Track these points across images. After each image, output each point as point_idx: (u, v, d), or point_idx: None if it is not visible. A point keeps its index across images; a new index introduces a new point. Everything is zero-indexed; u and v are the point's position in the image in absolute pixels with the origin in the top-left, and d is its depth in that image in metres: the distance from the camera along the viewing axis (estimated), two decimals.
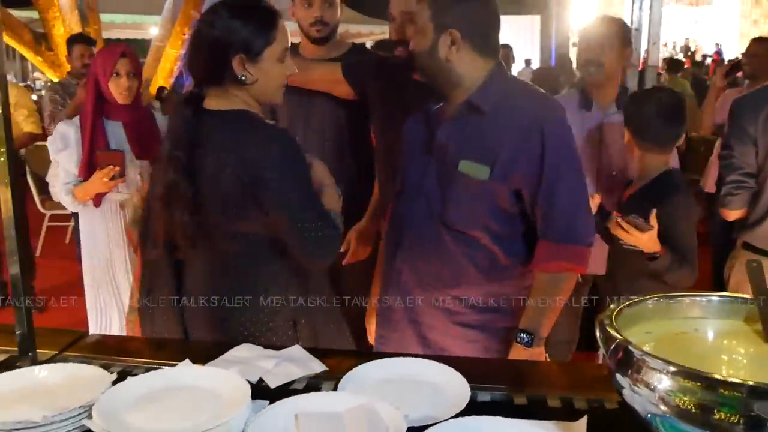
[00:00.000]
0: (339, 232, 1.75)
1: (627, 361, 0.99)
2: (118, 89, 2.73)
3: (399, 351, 1.86)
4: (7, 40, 9.95)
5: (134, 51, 2.84)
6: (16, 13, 9.98)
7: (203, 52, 1.71)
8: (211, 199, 1.68)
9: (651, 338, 1.10)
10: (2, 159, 1.34)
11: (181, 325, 1.79)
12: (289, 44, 1.76)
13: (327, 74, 2.48)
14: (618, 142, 2.60)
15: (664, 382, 0.94)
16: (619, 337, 1.01)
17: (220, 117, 1.70)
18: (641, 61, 3.03)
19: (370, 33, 16.91)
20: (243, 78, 1.69)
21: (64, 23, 9.88)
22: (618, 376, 1.00)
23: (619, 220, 2.19)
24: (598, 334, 1.07)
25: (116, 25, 13.54)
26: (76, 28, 10.05)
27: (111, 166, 2.67)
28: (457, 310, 1.86)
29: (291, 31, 1.80)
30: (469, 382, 1.30)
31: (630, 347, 0.98)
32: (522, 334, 1.80)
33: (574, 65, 3.55)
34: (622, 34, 2.66)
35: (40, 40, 10.13)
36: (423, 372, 1.36)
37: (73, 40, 4.52)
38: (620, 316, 1.09)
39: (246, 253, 1.73)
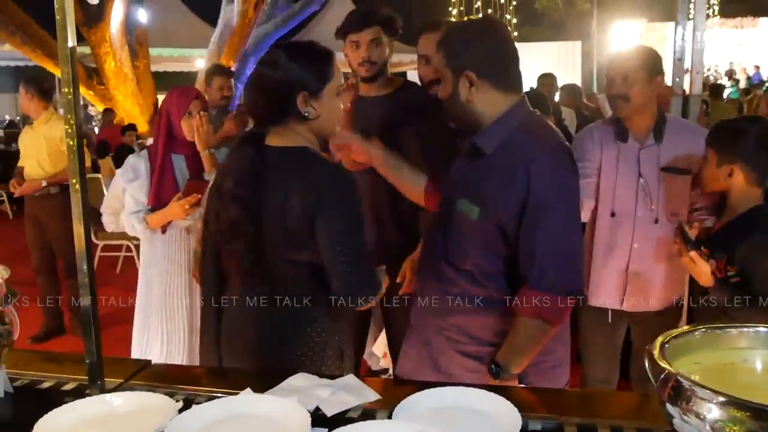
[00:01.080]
0: (379, 282, 1.87)
1: (677, 391, 1.01)
2: (188, 127, 2.92)
3: (415, 368, 2.00)
4: (58, 73, 10.35)
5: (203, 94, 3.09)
6: None
7: (266, 92, 1.83)
8: (273, 231, 1.79)
9: (699, 369, 1.12)
10: (78, 195, 1.43)
11: (218, 354, 1.92)
12: (342, 81, 1.88)
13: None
14: (655, 172, 2.60)
15: (713, 412, 0.96)
16: (669, 368, 1.04)
17: (282, 153, 1.82)
18: (684, 91, 3.03)
19: (411, 61, 17.07)
20: (306, 113, 1.81)
21: (115, 58, 10.25)
22: (668, 405, 1.03)
23: (678, 234, 2.27)
24: (646, 364, 1.10)
25: (164, 59, 13.94)
26: (127, 63, 10.43)
27: (195, 194, 2.85)
28: (457, 339, 1.93)
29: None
30: (520, 411, 1.33)
31: (679, 378, 1.01)
32: (492, 365, 1.84)
33: None
34: (650, 65, 2.57)
35: (92, 74, 10.52)
36: (475, 401, 1.40)
37: (213, 72, 4.60)
38: (668, 346, 1.12)
39: (298, 280, 1.83)
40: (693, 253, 2.18)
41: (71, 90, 1.42)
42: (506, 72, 1.85)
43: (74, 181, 1.46)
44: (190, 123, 2.91)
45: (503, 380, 1.81)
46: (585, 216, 2.68)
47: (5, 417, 1.48)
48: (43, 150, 4.72)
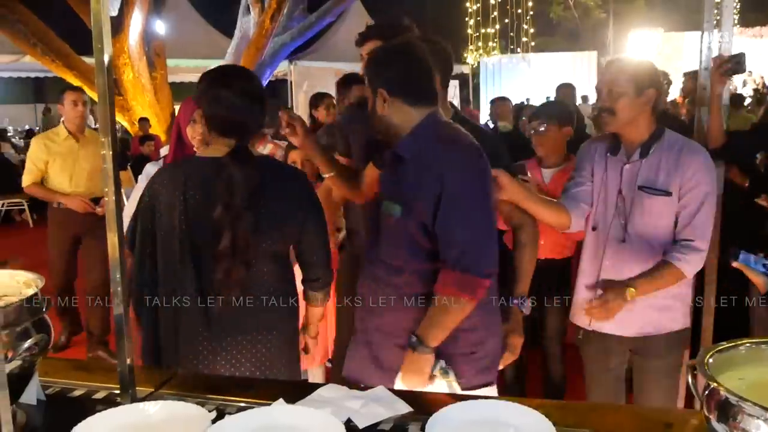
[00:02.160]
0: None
1: (723, 407, 1.00)
2: (192, 134, 2.93)
3: (360, 368, 2.17)
4: (78, 84, 10.43)
5: None
6: (88, 60, 10.46)
7: (263, 106, 2.15)
8: (271, 236, 2.11)
9: (744, 384, 1.10)
10: (111, 207, 1.43)
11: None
12: None
13: (372, 176, 2.58)
14: (633, 189, 2.48)
15: (762, 429, 0.95)
16: (715, 383, 1.03)
17: (264, 164, 2.16)
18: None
19: None
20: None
21: (133, 69, 10.31)
22: (714, 422, 1.02)
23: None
24: (690, 380, 1.09)
25: (181, 69, 14.02)
26: (145, 74, 10.49)
27: None
28: (394, 333, 2.07)
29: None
30: (554, 425, 1.31)
31: (727, 394, 0.99)
32: (412, 336, 1.99)
33: None
34: (639, 77, 2.42)
35: None
36: (509, 415, 1.38)
37: (348, 81, 4.30)
38: (712, 361, 1.11)
39: (276, 278, 2.15)
40: (737, 264, 2.19)
41: (107, 100, 1.42)
42: (416, 88, 2.05)
43: (109, 190, 1.46)
44: (194, 129, 2.92)
45: (421, 353, 1.96)
46: (578, 224, 2.59)
47: (39, 424, 1.48)
48: (98, 165, 4.63)
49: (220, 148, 2.09)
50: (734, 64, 2.97)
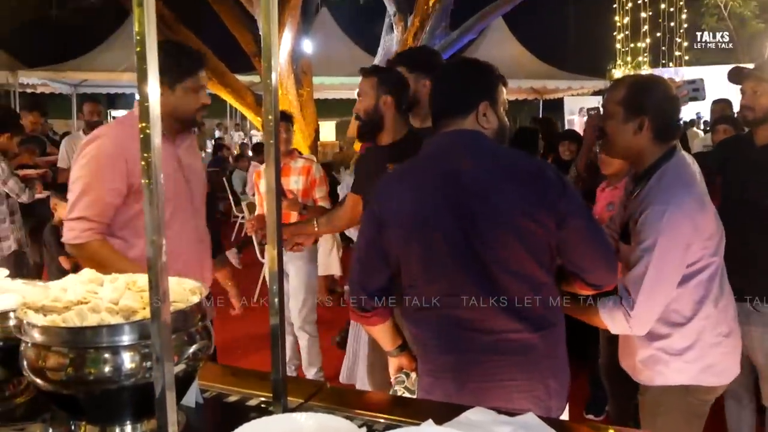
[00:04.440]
0: None
1: None
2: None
3: None
4: (232, 101, 11.02)
5: None
6: (241, 78, 11.04)
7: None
8: None
9: None
10: (272, 223, 1.49)
11: None
12: None
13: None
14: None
15: None
16: None
17: None
18: None
19: (568, 88, 16.75)
20: None
21: (282, 86, 10.77)
22: None
23: None
24: None
25: (325, 86, 14.51)
26: (292, 91, 10.92)
27: None
28: None
29: None
30: None
31: None
32: None
33: None
34: (629, 100, 2.15)
35: (260, 101, 11.08)
36: None
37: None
38: None
39: None
40: None
41: (274, 116, 1.47)
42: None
43: (269, 205, 1.52)
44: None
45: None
46: None
47: (198, 426, 1.56)
48: None
49: None
50: (691, 90, 2.68)
